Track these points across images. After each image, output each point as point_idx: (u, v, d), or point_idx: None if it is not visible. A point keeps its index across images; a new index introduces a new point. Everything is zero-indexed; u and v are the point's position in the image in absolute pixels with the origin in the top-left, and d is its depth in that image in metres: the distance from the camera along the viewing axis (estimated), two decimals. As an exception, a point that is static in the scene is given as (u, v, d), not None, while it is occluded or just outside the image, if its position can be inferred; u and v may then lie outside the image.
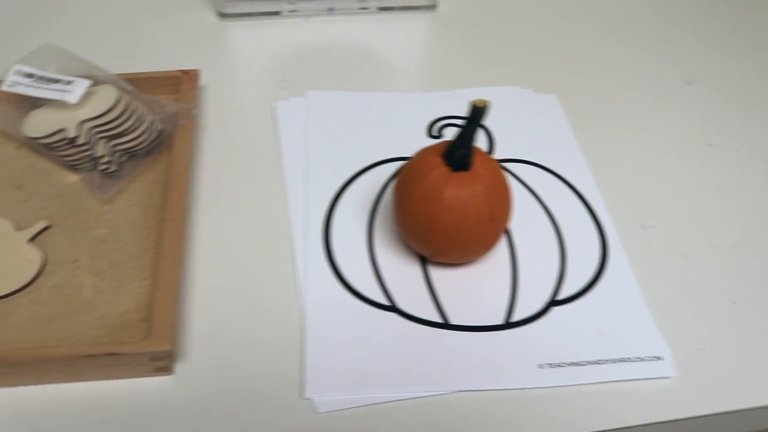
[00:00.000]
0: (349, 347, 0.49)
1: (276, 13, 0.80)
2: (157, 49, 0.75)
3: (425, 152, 0.51)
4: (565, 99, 0.68)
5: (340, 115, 0.65)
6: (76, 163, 0.60)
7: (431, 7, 0.80)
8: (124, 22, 0.79)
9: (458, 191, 0.48)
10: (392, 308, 0.52)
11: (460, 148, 0.48)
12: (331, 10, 0.79)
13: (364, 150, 0.62)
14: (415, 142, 0.63)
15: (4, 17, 0.79)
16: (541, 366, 0.49)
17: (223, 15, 0.79)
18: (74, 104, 0.59)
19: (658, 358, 0.49)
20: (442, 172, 0.49)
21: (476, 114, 0.47)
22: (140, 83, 0.65)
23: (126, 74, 0.65)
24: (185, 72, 0.66)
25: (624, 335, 0.50)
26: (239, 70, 0.72)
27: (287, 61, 0.73)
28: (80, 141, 0.58)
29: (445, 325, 0.51)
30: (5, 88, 0.62)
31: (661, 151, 0.64)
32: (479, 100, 0.46)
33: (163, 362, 0.47)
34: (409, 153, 0.61)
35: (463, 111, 0.66)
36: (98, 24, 0.79)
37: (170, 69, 0.68)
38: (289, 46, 0.75)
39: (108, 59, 0.67)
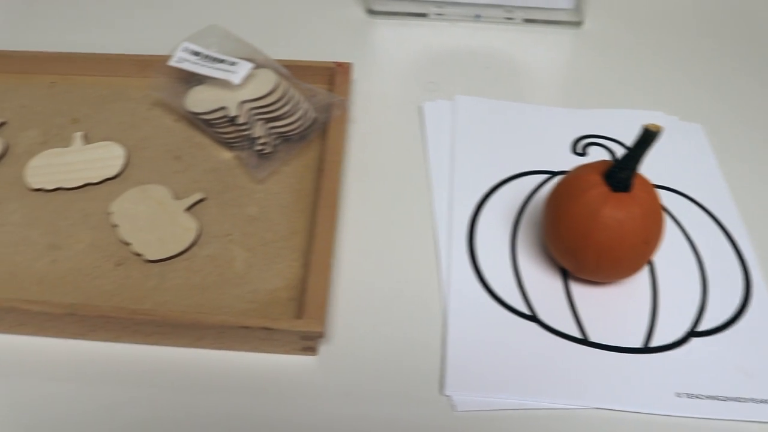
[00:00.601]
0: (488, 350, 0.50)
1: (423, 15, 0.81)
2: (308, 39, 0.78)
3: (584, 169, 0.51)
4: (711, 129, 0.67)
5: (486, 122, 0.66)
6: (232, 141, 0.62)
7: (577, 24, 0.80)
8: (278, 9, 0.82)
9: (616, 212, 0.48)
10: (533, 318, 0.52)
11: (625, 170, 0.48)
12: (477, 17, 0.80)
13: (509, 159, 0.63)
14: (559, 157, 0.63)
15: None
16: (678, 395, 0.49)
17: (371, 12, 0.81)
18: (236, 85, 0.61)
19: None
20: (602, 191, 0.49)
21: (648, 138, 0.47)
22: (295, 71, 0.67)
23: (282, 60, 0.67)
24: (339, 64, 0.68)
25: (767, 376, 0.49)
26: (386, 67, 0.73)
27: (433, 63, 0.74)
28: (240, 120, 0.60)
29: (585, 341, 0.51)
30: (173, 63, 0.64)
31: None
32: (653, 125, 0.46)
33: (311, 342, 0.49)
34: (553, 167, 0.62)
35: (608, 131, 0.66)
36: (255, 9, 0.82)
37: (317, 59, 0.70)
38: (435, 49, 0.76)
39: (262, 44, 0.69)
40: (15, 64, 0.72)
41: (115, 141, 0.64)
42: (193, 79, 0.65)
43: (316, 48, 0.76)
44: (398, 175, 0.61)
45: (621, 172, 0.49)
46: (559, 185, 0.52)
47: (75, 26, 0.81)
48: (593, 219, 0.49)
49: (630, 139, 0.63)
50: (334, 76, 0.67)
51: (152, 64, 0.70)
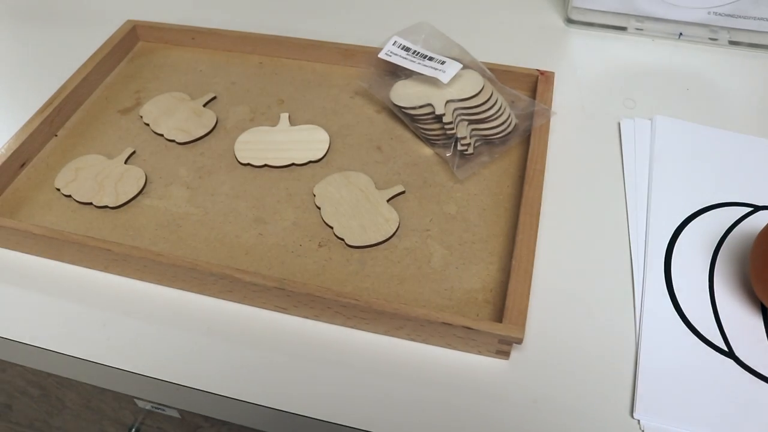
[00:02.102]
0: (681, 379, 0.49)
1: (622, 29, 0.80)
2: (505, 44, 0.78)
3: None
4: None
5: (686, 146, 0.65)
6: (434, 138, 0.64)
7: (787, 51, 0.77)
8: (479, 12, 0.83)
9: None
10: (729, 354, 0.51)
11: None
12: (680, 36, 0.78)
13: (710, 187, 0.61)
14: (763, 191, 0.61)
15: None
16: None
17: (570, 21, 0.81)
18: (444, 84, 0.63)
19: None
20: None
21: None
22: (497, 75, 0.68)
23: (485, 63, 0.67)
24: (542, 72, 0.68)
25: None
26: (582, 78, 0.73)
27: (631, 79, 0.73)
28: (446, 119, 0.61)
29: (786, 386, 0.49)
30: (383, 55, 0.67)
31: None
32: None
33: (506, 347, 0.50)
34: (756, 201, 0.60)
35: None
36: (457, 10, 0.83)
37: (514, 64, 0.70)
38: (633, 64, 0.75)
39: (462, 45, 0.71)
40: (226, 42, 0.77)
41: (318, 125, 0.67)
42: (398, 73, 0.67)
43: (513, 53, 0.76)
44: (594, 190, 0.61)
45: None
46: (778, 223, 0.50)
47: (285, 10, 0.84)
48: (815, 262, 0.47)
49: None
50: (536, 84, 0.68)
51: (356, 54, 0.72)
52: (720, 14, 0.76)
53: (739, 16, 0.76)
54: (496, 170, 0.62)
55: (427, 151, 0.64)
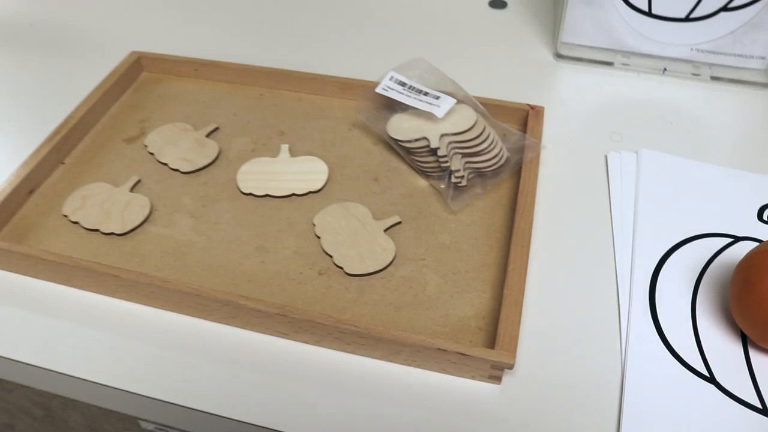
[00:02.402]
0: (664, 405, 0.52)
1: (609, 64, 0.83)
2: (495, 78, 0.81)
3: (783, 242, 0.52)
4: None
5: (670, 178, 0.68)
6: (429, 170, 0.67)
7: (766, 85, 0.80)
8: (469, 47, 0.86)
9: (815, 289, 0.49)
10: (710, 379, 0.54)
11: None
12: (664, 71, 0.81)
13: (692, 219, 0.64)
14: (744, 222, 0.64)
15: (384, 29, 0.88)
16: None
17: (559, 56, 0.84)
18: (438, 118, 0.66)
19: None
20: (803, 266, 0.50)
21: None
22: (489, 109, 0.71)
23: (479, 98, 0.71)
24: (532, 107, 0.71)
25: None
26: (572, 113, 0.76)
27: (618, 113, 0.76)
28: (441, 152, 0.64)
29: (764, 411, 0.52)
30: (380, 90, 0.69)
31: None
32: None
33: (498, 372, 0.52)
34: (737, 232, 0.63)
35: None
36: (447, 45, 0.86)
37: (504, 98, 0.74)
38: (619, 98, 0.79)
39: (455, 79, 0.74)
40: (228, 74, 0.80)
41: (317, 156, 0.70)
42: (394, 107, 0.70)
43: (504, 87, 0.80)
44: (582, 221, 0.64)
45: (825, 252, 0.49)
46: (755, 255, 0.53)
47: (285, 44, 0.88)
48: (790, 293, 0.50)
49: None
50: (526, 118, 0.71)
51: (354, 88, 0.75)
52: (702, 51, 0.79)
53: (720, 53, 0.79)
54: (488, 202, 0.65)
55: (423, 182, 0.67)
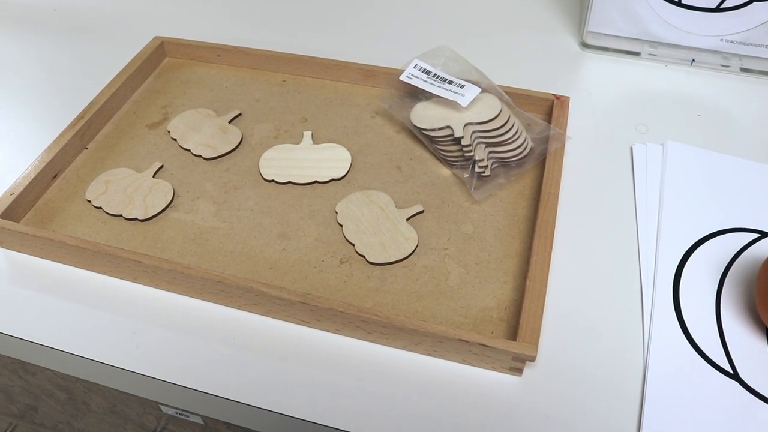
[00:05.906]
0: (686, 401, 0.51)
1: (636, 54, 0.82)
2: (521, 67, 0.81)
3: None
4: None
5: (696, 172, 0.67)
6: (453, 159, 0.66)
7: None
8: (495, 36, 0.86)
9: None
10: (734, 376, 0.53)
11: None
12: (692, 62, 0.80)
13: (718, 213, 0.64)
14: (771, 216, 0.63)
15: (408, 16, 0.88)
16: None
17: (585, 45, 0.83)
18: (463, 107, 0.65)
19: None
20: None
21: None
22: (513, 98, 0.70)
23: (504, 87, 0.70)
24: (557, 97, 0.70)
25: None
26: (597, 103, 0.75)
27: (644, 104, 0.75)
28: (465, 142, 0.64)
29: (789, 409, 0.51)
30: (404, 78, 0.69)
31: None
32: None
33: (520, 364, 0.52)
34: (765, 227, 0.62)
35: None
36: (473, 34, 0.86)
37: (529, 87, 0.73)
38: (646, 89, 0.77)
39: (482, 68, 0.73)
40: (251, 60, 0.79)
41: (339, 143, 0.69)
42: (418, 95, 0.69)
43: (529, 76, 0.79)
44: (606, 213, 0.63)
45: None
46: (784, 250, 0.52)
47: (308, 30, 0.87)
48: (819, 290, 0.49)
49: None
50: (551, 108, 0.70)
51: (377, 75, 0.75)
52: (732, 42, 0.78)
53: (751, 44, 0.78)
54: (511, 192, 0.64)
55: (446, 171, 0.67)
